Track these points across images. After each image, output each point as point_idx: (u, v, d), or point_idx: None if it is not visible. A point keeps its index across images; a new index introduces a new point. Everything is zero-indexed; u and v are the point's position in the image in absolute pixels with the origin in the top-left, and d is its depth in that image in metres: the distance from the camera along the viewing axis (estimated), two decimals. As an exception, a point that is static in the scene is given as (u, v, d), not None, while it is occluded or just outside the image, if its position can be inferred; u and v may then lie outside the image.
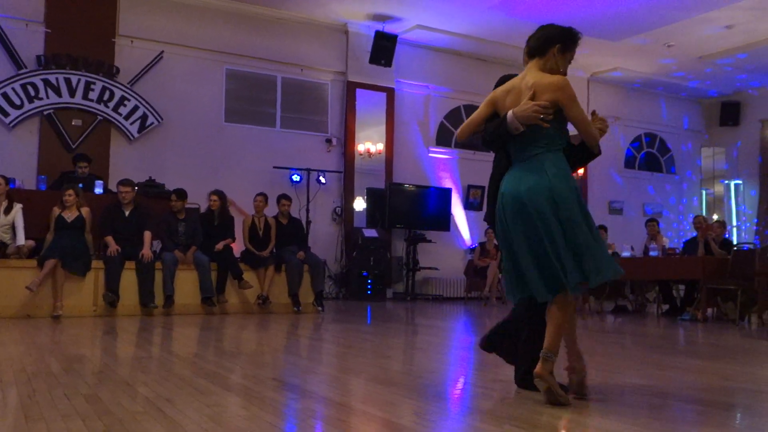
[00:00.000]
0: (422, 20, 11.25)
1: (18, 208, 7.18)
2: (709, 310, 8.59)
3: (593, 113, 3.22)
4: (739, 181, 14.76)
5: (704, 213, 14.57)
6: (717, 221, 10.20)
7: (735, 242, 10.64)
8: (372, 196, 11.60)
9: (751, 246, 9.23)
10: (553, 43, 3.05)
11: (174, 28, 10.41)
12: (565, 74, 3.07)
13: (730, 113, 14.62)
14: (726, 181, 14.85)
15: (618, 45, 11.97)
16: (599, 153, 3.15)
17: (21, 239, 7.08)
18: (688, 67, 13.13)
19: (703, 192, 15.13)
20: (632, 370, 4.04)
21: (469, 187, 12.76)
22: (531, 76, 3.03)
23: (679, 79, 13.82)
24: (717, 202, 15.16)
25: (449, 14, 10.96)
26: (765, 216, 13.59)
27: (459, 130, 3.27)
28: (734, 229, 14.55)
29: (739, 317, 7.89)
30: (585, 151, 3.14)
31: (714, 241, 8.77)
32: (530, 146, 3.00)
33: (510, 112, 2.98)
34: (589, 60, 12.63)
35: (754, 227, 14.24)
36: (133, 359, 4.29)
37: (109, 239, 7.29)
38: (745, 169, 14.62)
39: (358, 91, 11.67)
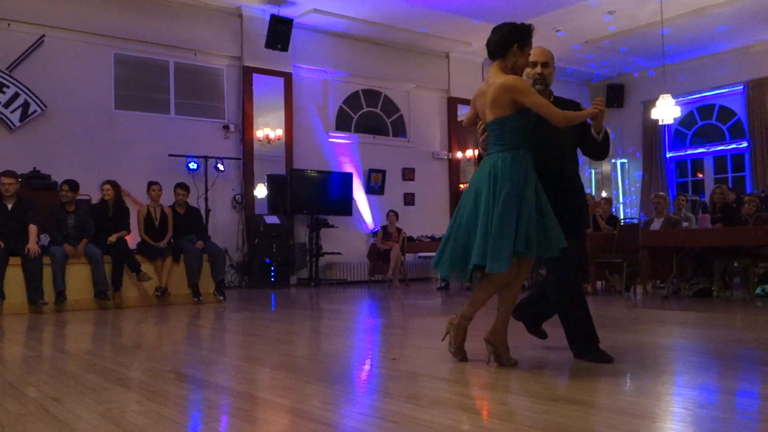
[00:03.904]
0: (317, 4, 11.13)
1: None
2: (599, 283, 9.06)
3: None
4: (625, 160, 15.59)
5: (593, 191, 15.32)
6: (604, 198, 10.73)
7: (621, 218, 11.22)
8: (273, 182, 11.45)
9: (635, 220, 9.76)
10: (511, 43, 3.31)
11: (55, 11, 9.83)
12: (527, 65, 3.39)
13: (615, 95, 15.38)
14: (613, 160, 15.64)
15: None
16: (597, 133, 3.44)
17: None
18: (575, 52, 13.68)
19: (592, 171, 15.87)
20: (526, 345, 4.18)
21: (370, 171, 12.81)
22: (492, 77, 3.31)
23: (566, 63, 14.38)
24: (605, 180, 15.95)
25: (344, -2, 10.92)
26: (648, 192, 14.39)
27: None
28: (621, 206, 15.38)
29: (625, 288, 8.38)
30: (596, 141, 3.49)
31: (601, 217, 9.23)
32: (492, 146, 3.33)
33: None
34: (479, 45, 12.90)
35: (638, 204, 15.11)
36: (20, 360, 4.06)
37: (-10, 235, 6.86)
38: (630, 148, 15.46)
39: (255, 77, 11.44)
